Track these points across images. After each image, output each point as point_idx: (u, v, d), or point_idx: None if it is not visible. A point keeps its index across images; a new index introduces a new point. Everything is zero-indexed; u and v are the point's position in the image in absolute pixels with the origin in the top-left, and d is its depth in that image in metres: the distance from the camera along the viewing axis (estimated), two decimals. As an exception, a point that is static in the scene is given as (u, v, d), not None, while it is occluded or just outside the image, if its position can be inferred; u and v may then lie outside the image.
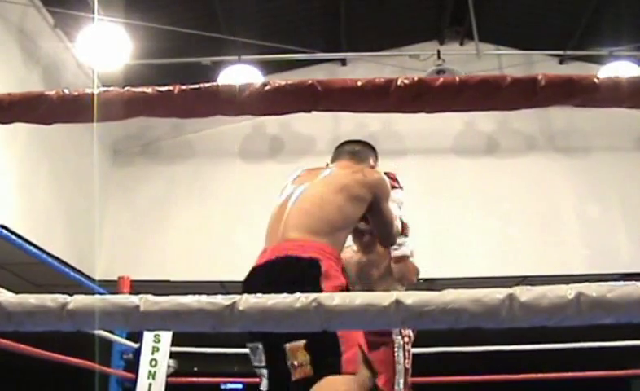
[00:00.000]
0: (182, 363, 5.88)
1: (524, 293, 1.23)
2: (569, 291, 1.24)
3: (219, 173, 8.27)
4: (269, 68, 7.70)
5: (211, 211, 8.06)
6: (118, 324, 1.26)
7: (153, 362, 5.32)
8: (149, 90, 1.57)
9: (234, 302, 1.21)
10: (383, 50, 8.53)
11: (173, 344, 5.60)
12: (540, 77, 1.57)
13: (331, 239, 2.55)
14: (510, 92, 1.55)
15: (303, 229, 2.54)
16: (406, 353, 3.46)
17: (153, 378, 5.28)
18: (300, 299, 1.20)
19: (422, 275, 3.59)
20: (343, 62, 8.71)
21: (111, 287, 5.72)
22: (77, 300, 1.27)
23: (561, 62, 8.59)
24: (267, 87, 1.51)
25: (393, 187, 3.00)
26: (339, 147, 3.08)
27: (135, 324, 1.28)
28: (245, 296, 1.22)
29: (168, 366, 5.40)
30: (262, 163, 8.28)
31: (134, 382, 5.30)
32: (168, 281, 7.58)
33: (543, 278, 7.29)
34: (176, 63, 7.31)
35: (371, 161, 3.05)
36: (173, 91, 1.55)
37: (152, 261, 7.80)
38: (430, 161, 8.21)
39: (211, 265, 7.74)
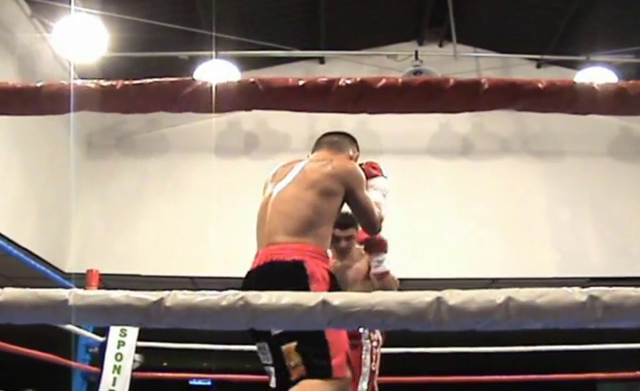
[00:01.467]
0: (152, 358, 5.86)
1: (453, 297, 1.23)
2: (498, 295, 1.24)
3: (193, 168, 8.24)
4: (247, 64, 7.67)
5: (184, 206, 8.02)
6: (47, 318, 1.26)
7: (118, 357, 5.31)
8: (92, 84, 1.56)
9: (162, 299, 1.21)
10: (362, 49, 8.53)
11: (143, 339, 5.59)
12: (483, 81, 1.58)
13: (313, 237, 2.60)
14: (452, 94, 1.56)
15: (284, 231, 2.60)
16: (373, 357, 3.71)
17: (118, 372, 5.27)
18: (227, 297, 1.20)
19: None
20: (321, 60, 8.70)
21: (82, 280, 5.70)
22: (7, 293, 1.27)
23: (538, 66, 8.62)
24: (208, 84, 1.51)
25: (375, 176, 3.00)
26: (319, 139, 3.08)
27: (64, 318, 1.28)
28: (173, 292, 1.22)
29: (134, 361, 5.39)
30: (237, 159, 8.26)
31: (99, 376, 5.28)
32: (138, 275, 7.54)
33: (513, 280, 7.31)
34: (153, 56, 7.28)
35: (351, 152, 3.03)
36: (115, 86, 1.55)
37: (123, 255, 7.77)
38: (405, 162, 8.18)
39: (182, 260, 7.72)
